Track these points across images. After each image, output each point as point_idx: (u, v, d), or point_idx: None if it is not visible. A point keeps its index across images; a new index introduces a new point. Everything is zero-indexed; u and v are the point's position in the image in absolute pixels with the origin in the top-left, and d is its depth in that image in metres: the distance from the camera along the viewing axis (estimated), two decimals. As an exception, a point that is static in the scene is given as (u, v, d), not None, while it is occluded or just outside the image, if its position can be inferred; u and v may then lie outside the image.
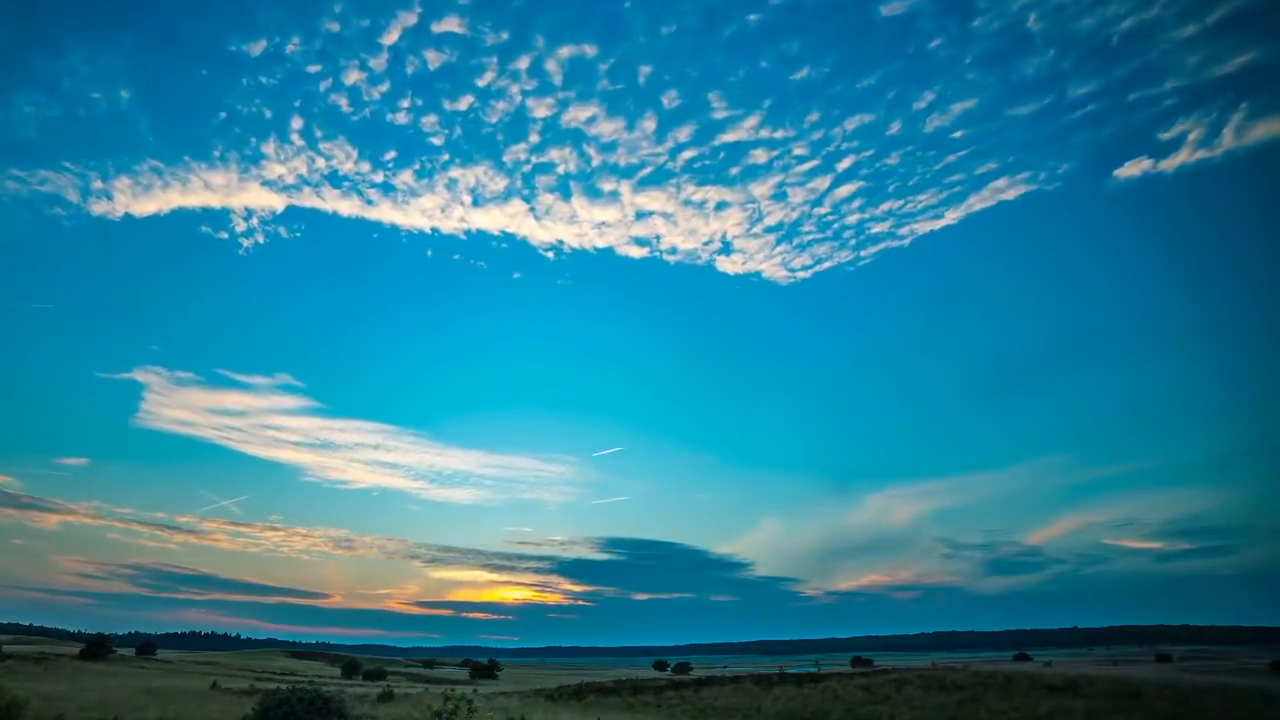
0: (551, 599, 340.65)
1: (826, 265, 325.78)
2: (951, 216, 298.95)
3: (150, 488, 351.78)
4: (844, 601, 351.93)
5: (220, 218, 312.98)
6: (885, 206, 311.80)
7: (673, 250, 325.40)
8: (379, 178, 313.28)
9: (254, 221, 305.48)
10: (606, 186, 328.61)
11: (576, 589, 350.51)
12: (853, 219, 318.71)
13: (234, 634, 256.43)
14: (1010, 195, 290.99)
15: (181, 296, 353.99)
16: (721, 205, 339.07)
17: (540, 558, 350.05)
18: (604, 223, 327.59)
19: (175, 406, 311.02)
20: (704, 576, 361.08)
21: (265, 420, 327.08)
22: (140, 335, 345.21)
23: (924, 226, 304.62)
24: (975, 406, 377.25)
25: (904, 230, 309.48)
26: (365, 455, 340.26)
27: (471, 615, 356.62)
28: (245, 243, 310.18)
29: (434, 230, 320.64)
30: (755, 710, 28.95)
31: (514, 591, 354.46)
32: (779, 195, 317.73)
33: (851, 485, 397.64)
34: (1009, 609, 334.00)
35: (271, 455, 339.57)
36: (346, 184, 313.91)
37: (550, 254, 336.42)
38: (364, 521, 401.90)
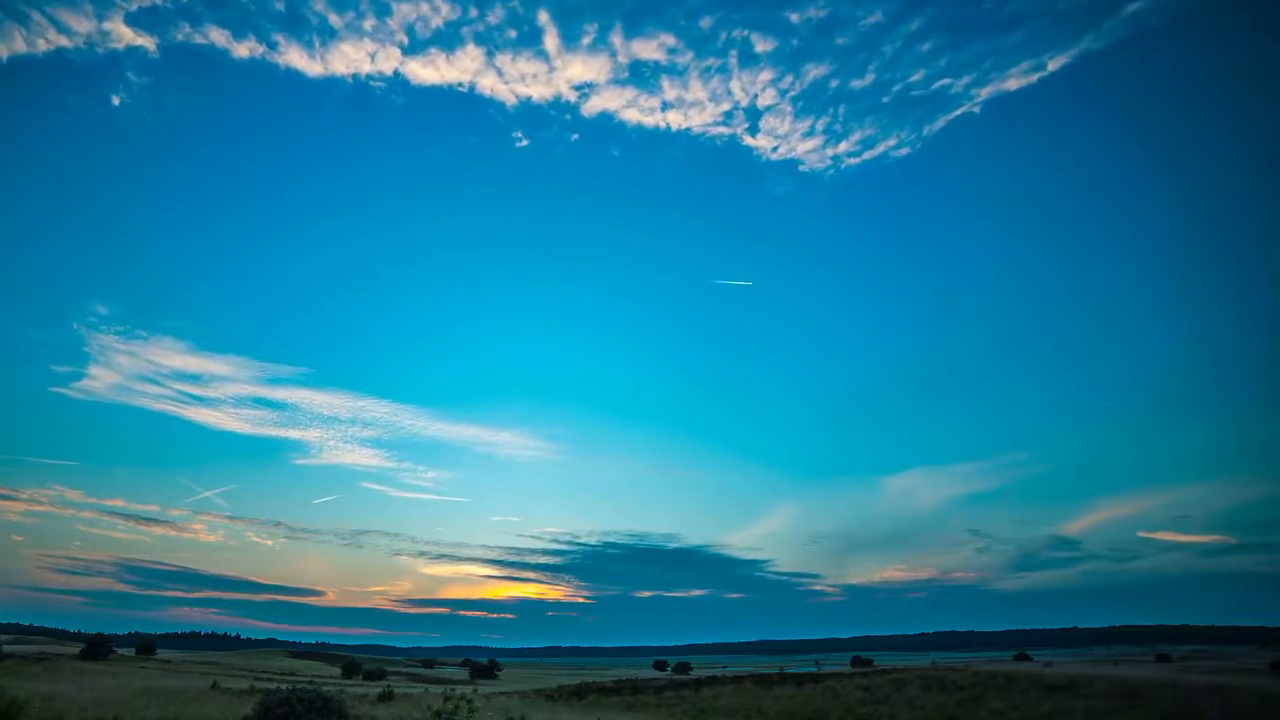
0: (551, 595, 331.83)
1: (879, 149, 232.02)
2: (1055, 64, 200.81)
3: (119, 472, 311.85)
4: (858, 599, 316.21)
5: (86, 73, 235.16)
6: (969, 51, 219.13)
7: (683, 124, 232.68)
8: (280, 3, 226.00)
9: (130, 80, 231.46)
10: (590, 25, 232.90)
11: (577, 586, 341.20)
12: (918, 76, 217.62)
13: (234, 634, 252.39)
14: (1153, 21, 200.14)
15: (79, 203, 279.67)
16: (748, 58, 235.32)
17: (538, 552, 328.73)
18: (589, 83, 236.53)
19: (116, 371, 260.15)
20: (709, 572, 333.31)
21: (227, 390, 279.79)
22: (60, 269, 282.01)
23: (1015, 81, 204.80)
24: (1032, 360, 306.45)
25: (984, 90, 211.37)
26: (349, 433, 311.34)
27: (467, 613, 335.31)
28: (125, 118, 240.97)
29: (358, 83, 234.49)
30: (755, 710, 28.95)
31: (510, 589, 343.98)
32: (823, 33, 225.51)
33: (878, 466, 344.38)
34: (1032, 608, 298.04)
35: (242, 431, 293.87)
36: (236, 11, 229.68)
37: (521, 137, 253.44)
38: (350, 512, 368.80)
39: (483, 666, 74.92)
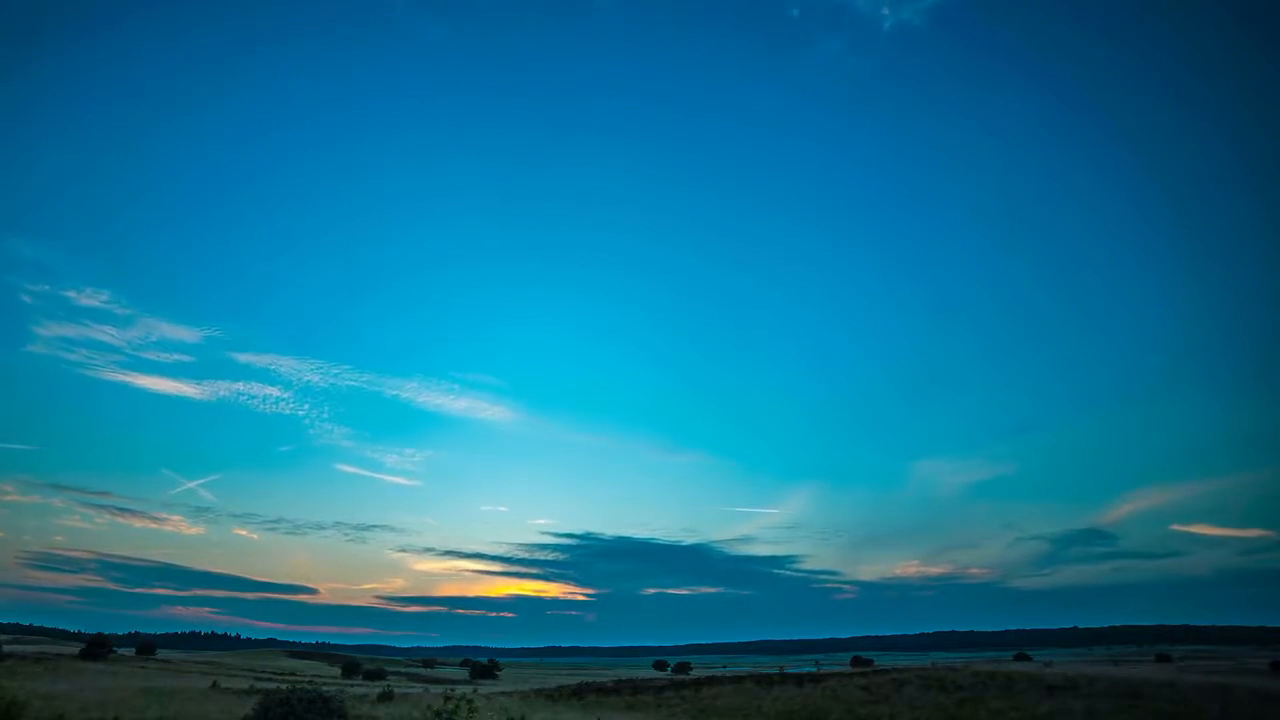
0: (550, 593, 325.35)
1: None
2: None
3: (87, 458, 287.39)
4: (873, 596, 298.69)
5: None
6: None
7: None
8: None
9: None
10: None
11: (576, 584, 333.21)
12: None
13: (232, 633, 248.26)
14: None
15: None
16: None
17: (534, 547, 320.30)
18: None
19: (60, 335, 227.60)
20: (714, 570, 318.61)
21: (186, 357, 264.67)
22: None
23: None
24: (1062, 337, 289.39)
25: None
26: (326, 408, 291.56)
27: (465, 612, 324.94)
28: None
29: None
30: (755, 710, 28.95)
31: (509, 586, 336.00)
32: None
33: (898, 457, 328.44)
34: (1050, 606, 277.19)
35: (195, 397, 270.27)
36: None
37: None
38: (336, 502, 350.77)
39: (483, 666, 74.90)
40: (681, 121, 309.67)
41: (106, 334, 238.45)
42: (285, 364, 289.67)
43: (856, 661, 70.77)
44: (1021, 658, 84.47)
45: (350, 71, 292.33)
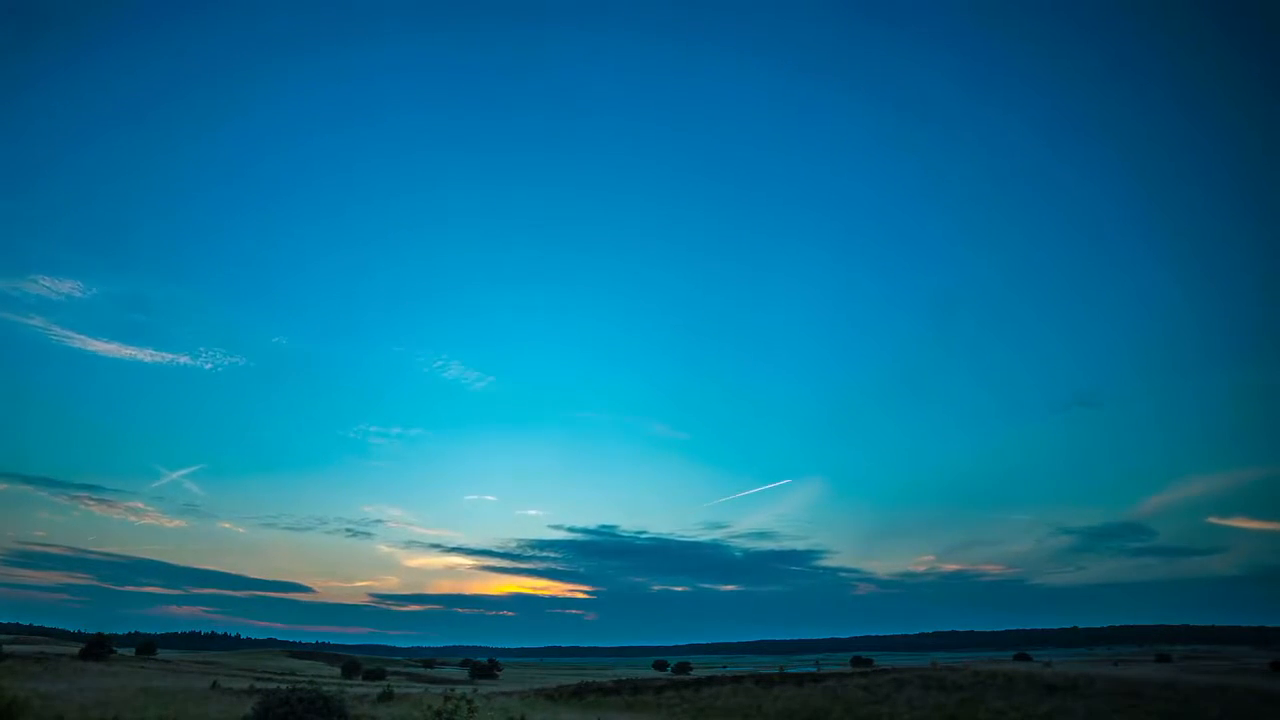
0: (550, 591, 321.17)
1: None
2: None
3: (51, 441, 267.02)
4: (886, 593, 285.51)
5: None
6: None
7: None
8: None
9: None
10: None
11: (576, 582, 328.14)
12: None
13: (232, 633, 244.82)
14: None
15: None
16: None
17: (541, 544, 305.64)
18: None
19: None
20: (719, 567, 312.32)
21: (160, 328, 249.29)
22: None
23: None
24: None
25: None
26: (302, 383, 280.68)
27: (463, 610, 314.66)
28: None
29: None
30: (755, 710, 28.95)
31: (509, 584, 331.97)
32: None
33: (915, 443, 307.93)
34: (1070, 606, 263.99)
35: (147, 361, 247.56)
36: None
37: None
38: (325, 494, 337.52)
39: (483, 666, 74.96)
40: (684, 119, 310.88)
41: (41, 286, 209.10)
42: (245, 327, 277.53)
43: (856, 661, 70.84)
44: (1022, 658, 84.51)
45: (338, 56, 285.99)
